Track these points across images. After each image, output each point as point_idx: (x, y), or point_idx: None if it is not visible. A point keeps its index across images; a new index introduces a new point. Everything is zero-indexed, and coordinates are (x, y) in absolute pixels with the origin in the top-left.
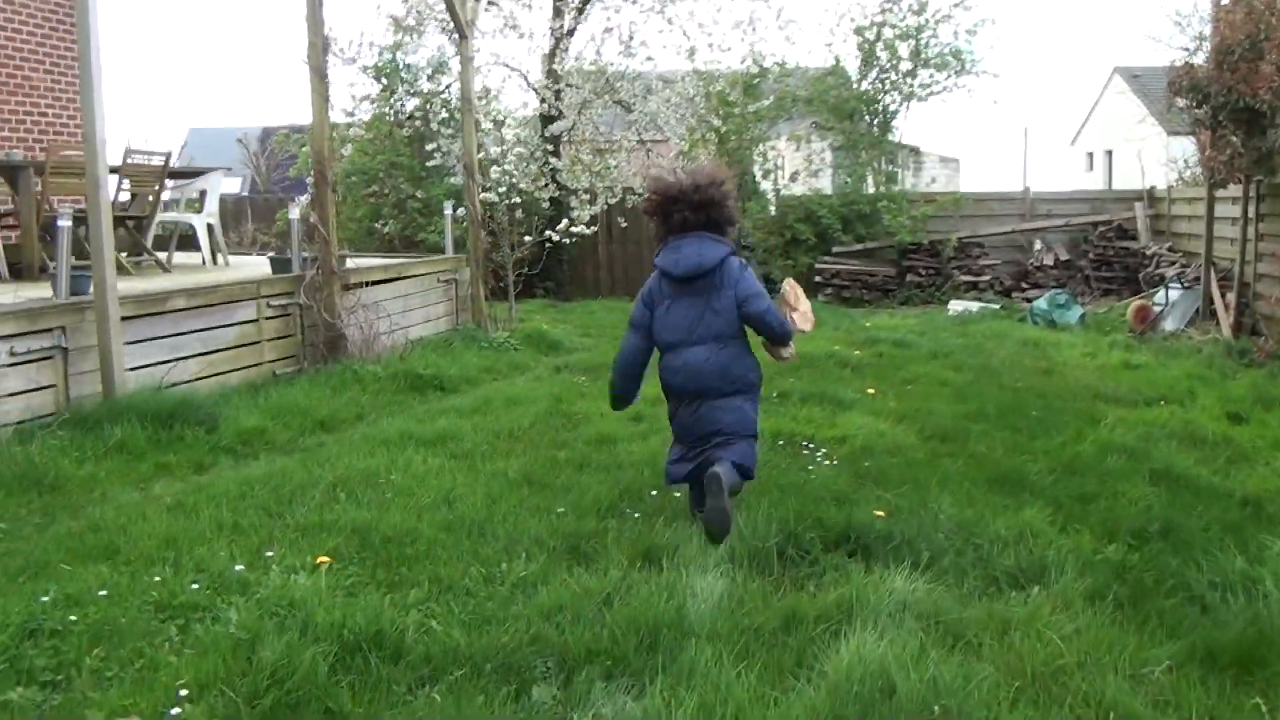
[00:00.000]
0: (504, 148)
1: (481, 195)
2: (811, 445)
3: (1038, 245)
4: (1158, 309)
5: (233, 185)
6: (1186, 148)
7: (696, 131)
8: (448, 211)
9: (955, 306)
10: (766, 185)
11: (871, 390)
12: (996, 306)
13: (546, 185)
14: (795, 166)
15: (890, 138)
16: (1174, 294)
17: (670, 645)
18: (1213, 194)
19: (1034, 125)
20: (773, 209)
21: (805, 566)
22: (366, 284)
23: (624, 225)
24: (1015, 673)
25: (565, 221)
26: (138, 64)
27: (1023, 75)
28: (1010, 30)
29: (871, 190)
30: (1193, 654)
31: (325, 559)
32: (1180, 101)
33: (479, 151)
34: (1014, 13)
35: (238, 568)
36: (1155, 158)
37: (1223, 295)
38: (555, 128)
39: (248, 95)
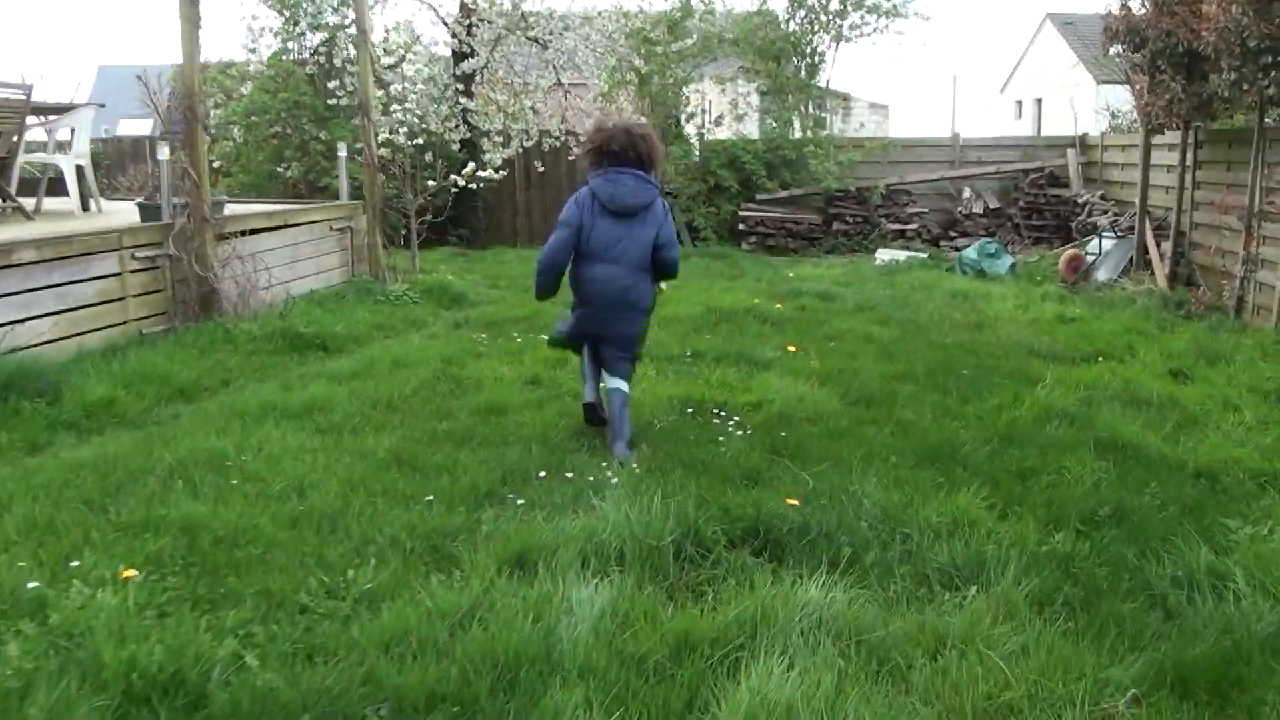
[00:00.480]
0: (404, 85)
1: (384, 137)
2: (724, 413)
3: (967, 193)
4: (1090, 259)
5: (144, 126)
6: (1119, 95)
7: (617, 72)
8: (341, 154)
9: (882, 256)
10: (690, 130)
11: (792, 348)
12: (924, 256)
13: (457, 127)
14: (721, 110)
15: (818, 82)
16: (1107, 243)
17: (532, 686)
18: (1149, 141)
19: (963, 72)
20: (697, 154)
21: (706, 568)
22: (244, 233)
23: (541, 170)
24: (952, 711)
25: (471, 166)
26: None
27: (952, 21)
28: None
29: (798, 135)
30: (1161, 675)
31: (131, 572)
32: (1116, 47)
33: (381, 90)
34: None
35: (32, 584)
36: (1087, 105)
37: (1158, 245)
38: (466, 65)
39: (159, 31)
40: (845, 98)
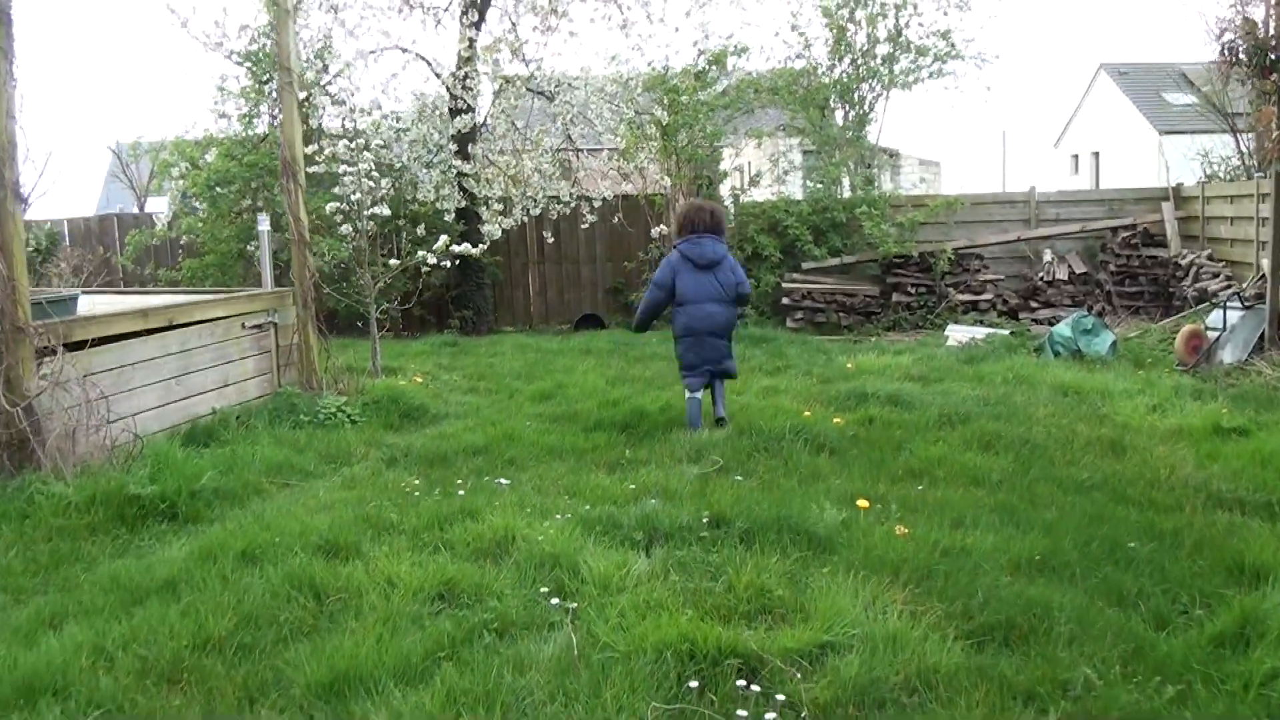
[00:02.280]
0: (359, 141)
1: (369, 210)
2: (758, 680)
3: (1047, 256)
4: (1213, 335)
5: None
6: (1184, 146)
7: (636, 126)
8: (263, 227)
9: (955, 334)
10: (724, 191)
11: (864, 503)
12: (1005, 333)
13: (450, 195)
14: (759, 169)
15: (868, 135)
16: (1232, 315)
17: None
18: None
19: (1013, 128)
20: (732, 218)
21: None
22: (99, 342)
23: (551, 240)
24: None
25: (444, 239)
26: None
27: (1001, 75)
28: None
29: (848, 195)
30: None
31: None
32: (1235, 74)
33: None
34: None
35: None
36: (1149, 157)
37: None
38: (459, 122)
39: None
40: (893, 154)
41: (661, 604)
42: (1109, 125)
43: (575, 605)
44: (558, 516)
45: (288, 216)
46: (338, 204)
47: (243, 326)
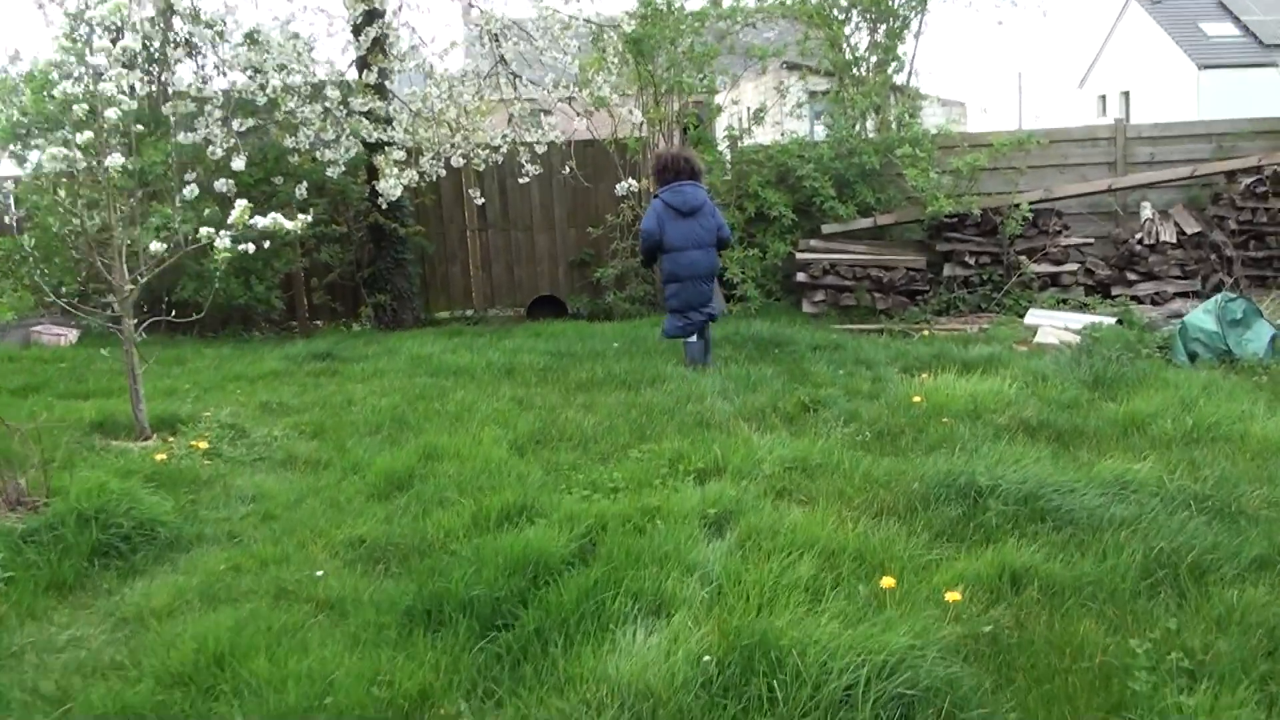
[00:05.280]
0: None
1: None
2: None
3: (1147, 211)
4: None
5: None
6: (1224, 82)
7: (600, 42)
8: None
9: (1042, 324)
10: (719, 132)
11: None
12: (1110, 320)
13: (338, 139)
14: (763, 100)
15: (902, 56)
16: None
17: None
18: None
19: (1030, 69)
20: (728, 166)
21: None
22: None
23: (481, 201)
24: None
25: (241, 206)
26: None
27: (1016, 9)
28: None
29: (873, 135)
30: None
31: None
32: None
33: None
34: None
35: None
36: (1187, 96)
37: None
38: (365, 38)
39: None
40: (912, 93)
41: None
42: (1141, 61)
43: None
44: None
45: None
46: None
47: None
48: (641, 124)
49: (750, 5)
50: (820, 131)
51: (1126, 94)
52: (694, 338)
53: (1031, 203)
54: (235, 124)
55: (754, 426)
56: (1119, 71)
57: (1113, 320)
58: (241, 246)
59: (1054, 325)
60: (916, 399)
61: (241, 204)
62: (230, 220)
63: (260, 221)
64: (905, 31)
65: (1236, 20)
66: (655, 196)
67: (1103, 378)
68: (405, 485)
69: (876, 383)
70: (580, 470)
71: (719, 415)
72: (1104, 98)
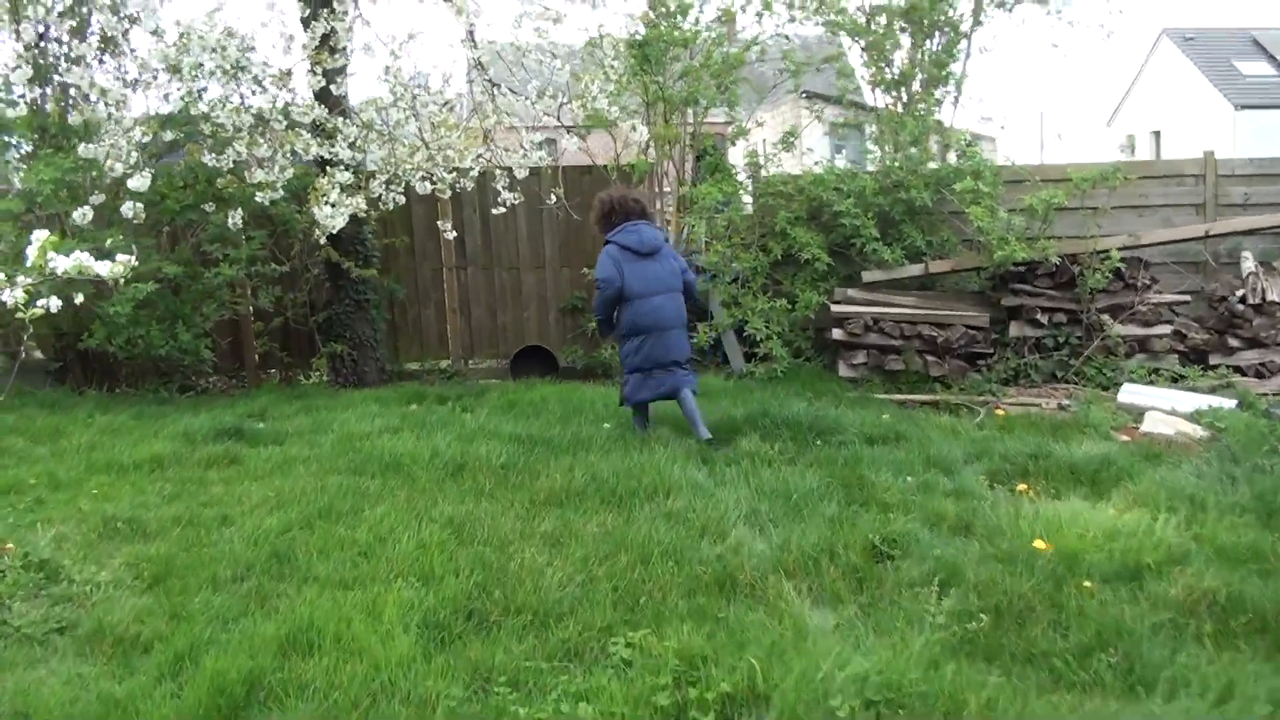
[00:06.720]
0: None
1: None
2: None
3: (1248, 263)
4: None
5: None
6: (1263, 122)
7: (597, 49)
8: None
9: (1142, 404)
10: (738, 159)
11: None
12: (1230, 404)
13: (273, 156)
14: (791, 122)
15: (956, 76)
16: None
17: None
18: None
19: (1051, 107)
20: (748, 199)
21: None
22: None
23: (454, 236)
24: None
25: (39, 239)
26: None
27: (1036, 45)
28: None
29: (923, 166)
30: None
31: None
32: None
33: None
34: None
35: None
36: (1222, 136)
37: None
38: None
39: None
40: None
41: None
42: (1173, 100)
43: None
44: None
45: None
46: None
47: None
48: (648, 144)
49: (782, 14)
50: (841, 164)
51: (1157, 133)
52: (645, 411)
53: (1120, 250)
54: (138, 133)
55: (804, 592)
56: (1149, 110)
57: (1232, 403)
58: (50, 301)
59: (1159, 407)
60: (1040, 545)
61: (40, 236)
62: (29, 261)
63: (61, 265)
64: (957, 48)
65: (1272, 59)
66: (607, 243)
67: (1265, 495)
68: (239, 712)
69: (962, 500)
70: (526, 686)
71: (750, 566)
72: (1133, 137)
